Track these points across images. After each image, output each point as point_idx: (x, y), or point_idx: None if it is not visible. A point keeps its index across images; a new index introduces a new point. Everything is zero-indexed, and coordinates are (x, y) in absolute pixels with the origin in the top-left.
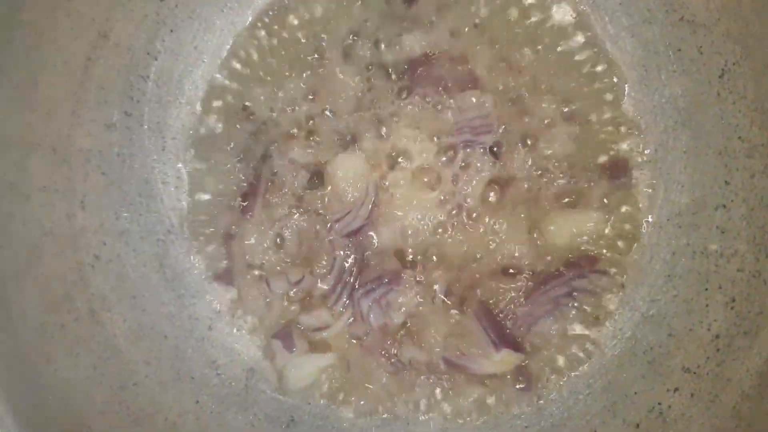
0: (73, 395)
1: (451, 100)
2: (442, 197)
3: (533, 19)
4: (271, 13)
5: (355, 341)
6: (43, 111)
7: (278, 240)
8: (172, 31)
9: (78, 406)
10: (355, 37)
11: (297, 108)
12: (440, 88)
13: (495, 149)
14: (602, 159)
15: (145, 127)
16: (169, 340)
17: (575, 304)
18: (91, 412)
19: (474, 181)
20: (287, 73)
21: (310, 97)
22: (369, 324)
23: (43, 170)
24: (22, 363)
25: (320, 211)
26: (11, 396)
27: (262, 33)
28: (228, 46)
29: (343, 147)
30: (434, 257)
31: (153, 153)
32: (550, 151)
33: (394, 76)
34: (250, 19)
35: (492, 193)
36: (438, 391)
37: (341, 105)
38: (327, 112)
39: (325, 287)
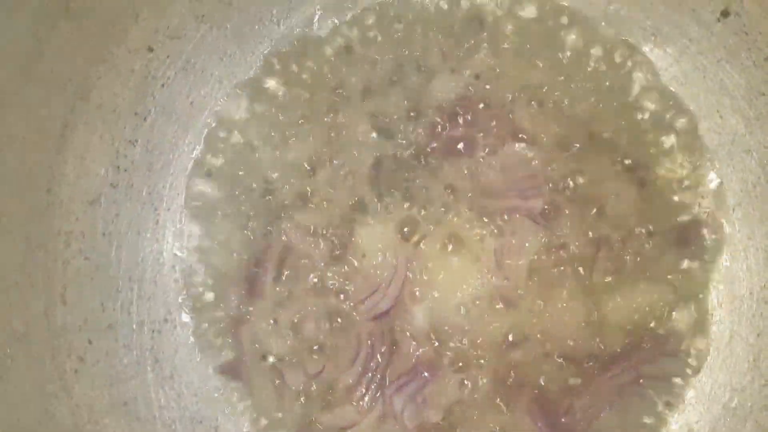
0: None
1: (492, 158)
2: (484, 272)
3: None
4: (276, 60)
5: None
6: (12, 190)
7: (294, 324)
8: (163, 86)
9: None
10: (373, 85)
11: (309, 168)
12: (478, 142)
13: (544, 213)
14: (669, 223)
15: (135, 199)
16: None
17: (643, 394)
18: None
19: (521, 253)
20: (297, 128)
21: (325, 154)
22: (403, 424)
23: (14, 262)
24: None
25: (343, 290)
26: None
27: (268, 83)
28: (227, 99)
29: (365, 214)
30: (476, 342)
31: (144, 229)
32: (608, 215)
33: (421, 129)
34: (252, 67)
35: (541, 266)
36: None
37: (360, 165)
38: (345, 174)
39: (350, 380)
